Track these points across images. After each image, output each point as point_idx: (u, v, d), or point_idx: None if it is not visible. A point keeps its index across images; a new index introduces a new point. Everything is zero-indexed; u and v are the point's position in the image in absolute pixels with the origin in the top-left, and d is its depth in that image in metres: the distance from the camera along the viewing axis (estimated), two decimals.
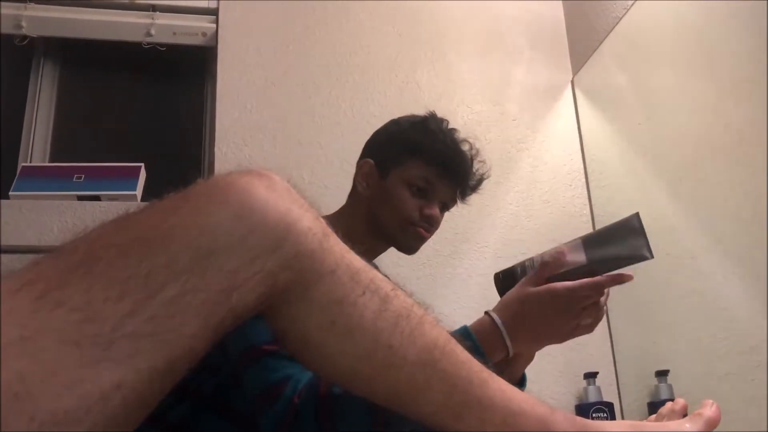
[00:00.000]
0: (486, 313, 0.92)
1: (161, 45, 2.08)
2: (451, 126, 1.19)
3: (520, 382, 1.03)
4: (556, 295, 0.89)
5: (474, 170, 1.19)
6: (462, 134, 1.19)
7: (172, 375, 0.48)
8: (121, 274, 0.46)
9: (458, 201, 1.20)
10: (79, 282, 0.45)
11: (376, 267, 1.19)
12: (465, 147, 1.17)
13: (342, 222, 1.15)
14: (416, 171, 1.13)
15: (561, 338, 0.92)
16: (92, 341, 0.43)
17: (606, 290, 0.91)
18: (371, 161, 1.18)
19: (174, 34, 2.07)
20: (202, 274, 0.48)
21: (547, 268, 0.92)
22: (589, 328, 0.93)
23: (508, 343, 0.88)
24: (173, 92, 2.22)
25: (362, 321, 0.56)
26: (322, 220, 0.57)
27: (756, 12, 1.41)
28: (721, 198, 1.52)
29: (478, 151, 1.20)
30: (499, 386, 0.61)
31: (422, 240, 1.15)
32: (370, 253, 1.15)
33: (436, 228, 1.17)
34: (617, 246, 0.90)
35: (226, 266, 0.49)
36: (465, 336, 0.90)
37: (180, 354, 0.47)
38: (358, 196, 1.18)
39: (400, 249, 1.17)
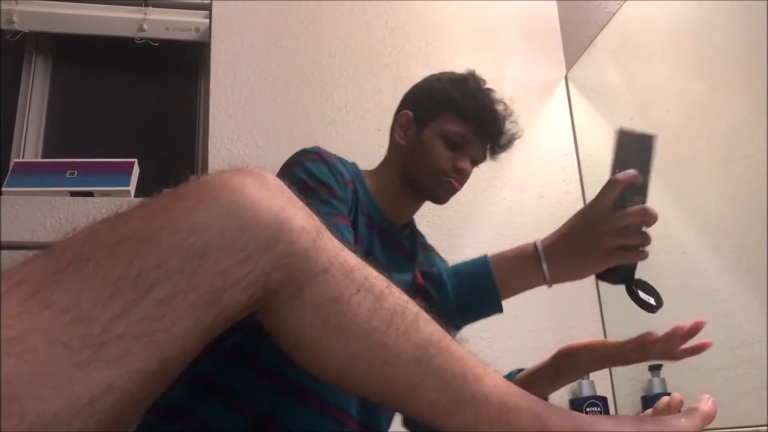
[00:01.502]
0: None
1: (154, 40, 2.07)
2: (488, 86, 1.23)
3: None
4: (591, 207, 0.91)
5: (506, 130, 1.22)
6: (497, 95, 1.23)
7: (165, 376, 0.48)
8: (110, 275, 0.45)
9: (488, 158, 1.24)
10: (69, 283, 0.44)
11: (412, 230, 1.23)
12: (500, 107, 1.21)
13: (379, 175, 1.21)
14: (452, 125, 1.16)
15: (603, 258, 0.91)
16: (82, 342, 0.42)
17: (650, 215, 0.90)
18: (410, 113, 1.22)
19: (167, 29, 2.06)
20: (193, 274, 0.47)
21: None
22: (638, 254, 0.93)
23: (544, 266, 0.92)
24: (166, 87, 2.21)
25: (356, 319, 0.55)
26: (316, 218, 0.57)
27: (748, 9, 1.41)
28: (713, 193, 1.52)
29: (511, 112, 1.24)
30: (494, 382, 0.61)
31: (453, 191, 1.19)
32: (404, 206, 1.21)
33: (465, 181, 1.21)
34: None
35: (217, 266, 0.49)
36: (482, 264, 0.96)
37: (172, 355, 0.47)
38: (396, 147, 1.22)
39: (431, 199, 1.20)
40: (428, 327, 0.59)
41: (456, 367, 0.59)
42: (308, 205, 0.59)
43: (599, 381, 1.78)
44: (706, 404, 0.69)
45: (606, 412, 1.71)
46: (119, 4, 2.06)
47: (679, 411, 0.72)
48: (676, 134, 1.67)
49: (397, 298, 0.59)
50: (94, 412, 0.42)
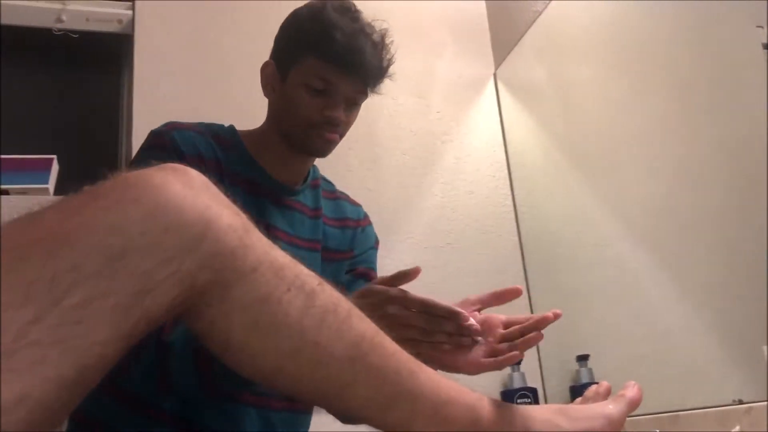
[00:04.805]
0: None
1: (74, 32, 1.98)
2: (352, 11, 1.08)
3: None
4: None
5: (379, 59, 1.07)
6: (363, 20, 1.09)
7: (83, 385, 0.45)
8: (22, 278, 0.43)
9: (368, 93, 1.10)
10: None
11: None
12: (364, 36, 1.06)
13: (260, 135, 1.11)
14: (312, 70, 1.03)
15: None
16: None
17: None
18: (272, 62, 1.10)
19: (87, 20, 1.98)
20: (113, 277, 0.45)
21: None
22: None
23: None
24: (88, 81, 2.12)
25: (287, 319, 0.54)
26: (243, 215, 0.55)
27: (669, 9, 1.46)
28: (634, 187, 1.57)
29: (383, 34, 1.10)
30: (427, 376, 0.61)
31: (330, 143, 1.06)
32: (290, 164, 1.10)
33: (346, 128, 1.09)
34: None
35: (138, 268, 0.46)
36: None
37: (90, 362, 0.44)
38: (269, 102, 1.11)
39: (309, 154, 1.09)
40: (361, 324, 0.59)
41: (390, 364, 0.59)
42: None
43: (529, 373, 1.82)
44: (632, 390, 0.71)
45: (536, 402, 1.74)
46: None
47: (607, 398, 0.74)
48: (599, 131, 1.72)
49: (328, 295, 0.58)
50: (5, 425, 0.39)
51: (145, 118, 1.81)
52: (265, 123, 1.13)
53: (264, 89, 1.12)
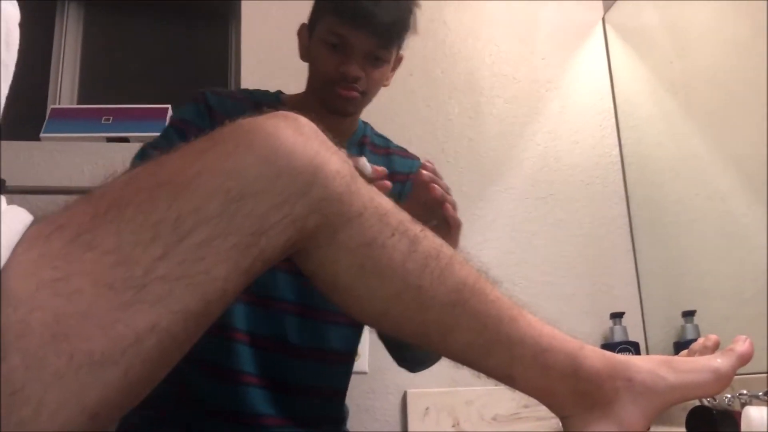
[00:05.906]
0: None
1: None
2: None
3: None
4: None
5: (394, 14, 1.06)
6: None
7: (206, 317, 0.49)
8: (150, 218, 0.46)
9: (392, 49, 1.11)
10: (109, 227, 0.45)
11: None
12: None
13: (301, 98, 1.16)
14: (329, 26, 1.06)
15: None
16: (125, 284, 0.44)
17: None
18: (306, 23, 1.16)
19: None
20: (231, 218, 0.48)
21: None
22: None
23: None
24: (199, 33, 2.20)
25: (391, 263, 0.56)
26: (350, 162, 0.57)
27: None
28: (752, 138, 1.48)
29: None
30: (528, 322, 0.61)
31: (347, 100, 1.08)
32: (326, 124, 1.14)
33: (371, 85, 1.09)
34: None
35: (254, 210, 0.49)
36: None
37: (213, 297, 0.48)
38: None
39: (330, 112, 1.10)
40: (463, 270, 0.60)
41: (491, 309, 0.59)
42: None
43: (632, 327, 1.78)
44: (742, 345, 0.67)
45: None
46: None
47: (715, 352, 0.70)
48: (716, 78, 1.62)
49: (431, 241, 0.59)
50: (139, 351, 0.43)
51: (252, 71, 1.87)
52: (306, 86, 1.16)
53: (299, 52, 1.16)
